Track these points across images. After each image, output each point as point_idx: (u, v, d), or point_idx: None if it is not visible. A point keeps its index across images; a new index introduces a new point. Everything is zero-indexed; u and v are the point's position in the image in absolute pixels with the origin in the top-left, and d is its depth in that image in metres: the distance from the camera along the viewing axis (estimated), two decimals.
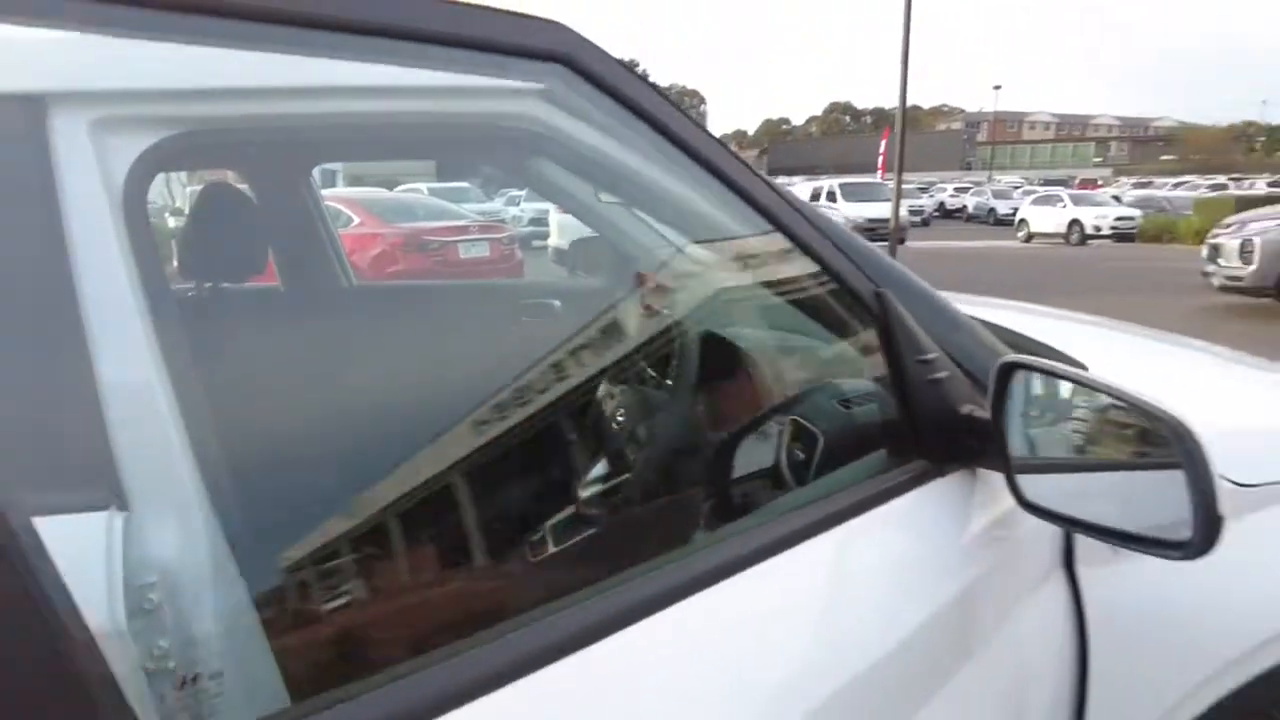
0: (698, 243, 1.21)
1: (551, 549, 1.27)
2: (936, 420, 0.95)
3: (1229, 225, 9.15)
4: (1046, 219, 21.45)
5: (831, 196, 20.61)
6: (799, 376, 1.42)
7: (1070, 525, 0.90)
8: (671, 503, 1.47)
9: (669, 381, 1.78)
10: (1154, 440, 0.82)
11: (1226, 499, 0.76)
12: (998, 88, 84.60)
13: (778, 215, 0.93)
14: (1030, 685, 1.01)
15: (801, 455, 1.28)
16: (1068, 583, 1.04)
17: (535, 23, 0.77)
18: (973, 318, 1.18)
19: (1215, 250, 9.01)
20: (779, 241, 0.96)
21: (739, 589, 0.71)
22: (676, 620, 0.65)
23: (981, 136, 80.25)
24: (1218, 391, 1.52)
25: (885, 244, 13.97)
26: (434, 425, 1.04)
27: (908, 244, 18.73)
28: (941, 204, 35.59)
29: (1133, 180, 43.57)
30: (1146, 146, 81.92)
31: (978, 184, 40.70)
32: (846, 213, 17.87)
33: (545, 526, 1.21)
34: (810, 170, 46.94)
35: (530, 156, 1.06)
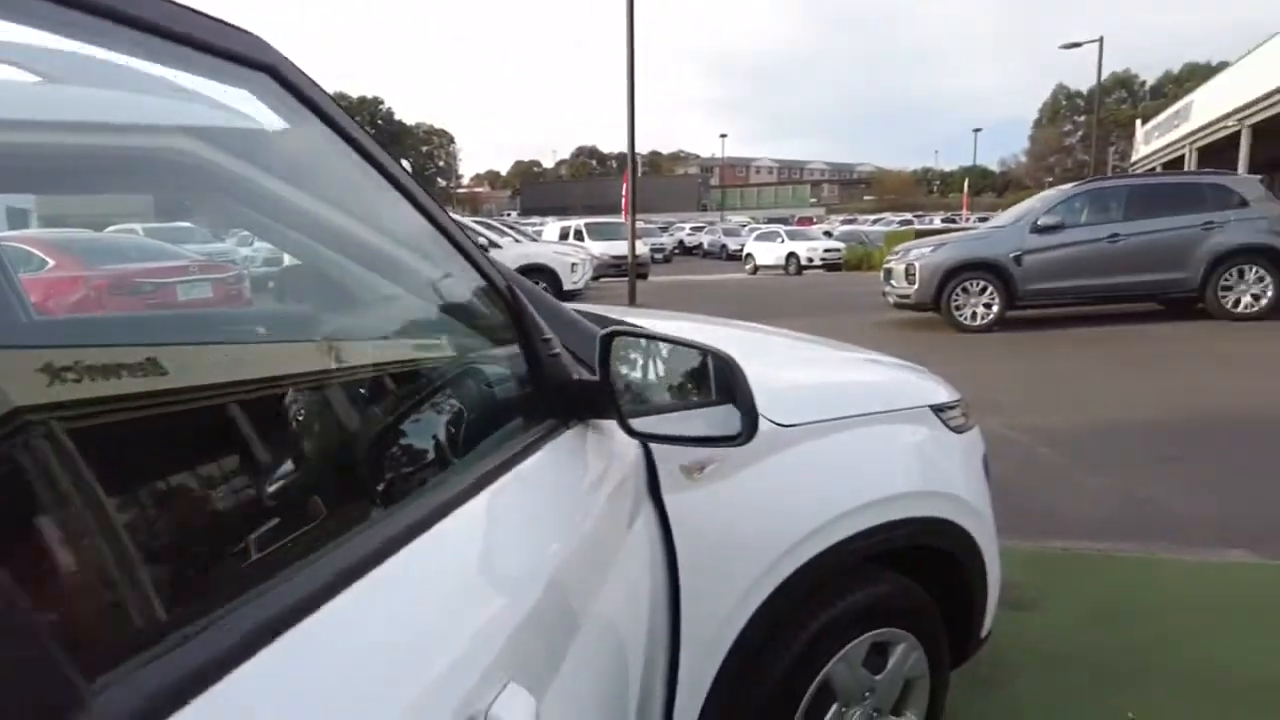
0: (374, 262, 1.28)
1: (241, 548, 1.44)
2: (558, 385, 1.21)
3: (897, 252, 10.84)
4: (768, 253, 23.93)
5: (579, 235, 21.44)
6: (453, 368, 1.70)
7: (666, 441, 1.25)
8: (346, 490, 1.68)
9: (349, 383, 1.97)
10: (717, 375, 1.23)
11: (765, 406, 1.15)
12: (724, 136, 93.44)
13: (445, 228, 1.09)
14: (643, 590, 1.28)
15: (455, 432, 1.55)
16: (655, 506, 1.36)
17: (238, 32, 0.76)
18: (581, 313, 1.52)
19: (888, 274, 10.65)
20: (441, 253, 1.12)
21: (408, 560, 0.71)
22: (356, 597, 0.63)
23: (715, 180, 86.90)
24: (803, 368, 2.02)
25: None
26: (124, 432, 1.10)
27: (650, 279, 19.94)
28: (681, 242, 38.50)
29: (841, 218, 49.62)
30: (852, 188, 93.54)
31: (711, 223, 44.44)
32: (594, 250, 18.66)
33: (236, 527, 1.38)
34: (561, 210, 48.07)
35: (201, 188, 1.05)
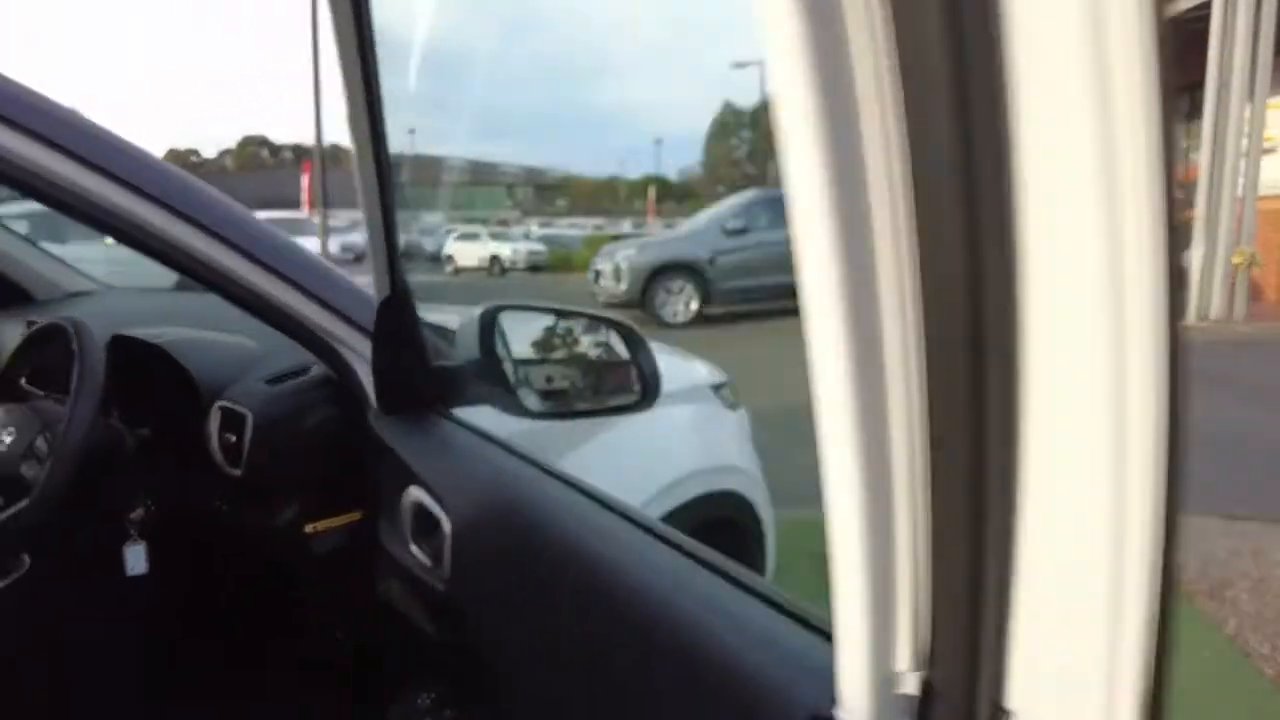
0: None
1: None
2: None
3: (604, 254, 11.33)
4: (470, 254, 23.62)
5: None
6: (228, 368, 1.41)
7: (566, 417, 1.15)
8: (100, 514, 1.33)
9: (66, 390, 1.57)
10: (608, 342, 1.12)
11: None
12: (412, 131, 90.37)
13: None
14: None
15: (234, 438, 1.28)
16: None
17: None
18: None
19: (598, 274, 11.07)
20: (206, 243, 1.05)
21: None
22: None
23: (404, 177, 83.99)
24: None
25: None
26: None
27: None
28: None
29: (538, 220, 50.52)
30: (546, 192, 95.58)
31: (405, 223, 42.80)
32: None
33: None
34: None
35: None
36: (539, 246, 24.49)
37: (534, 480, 0.92)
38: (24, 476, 1.27)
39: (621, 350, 1.17)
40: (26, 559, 1.38)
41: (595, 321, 1.21)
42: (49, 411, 1.35)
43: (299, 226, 19.49)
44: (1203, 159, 9.72)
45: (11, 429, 1.31)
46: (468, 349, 1.13)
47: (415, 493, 0.96)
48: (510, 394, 1.09)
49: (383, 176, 1.02)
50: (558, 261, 23.42)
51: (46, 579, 1.43)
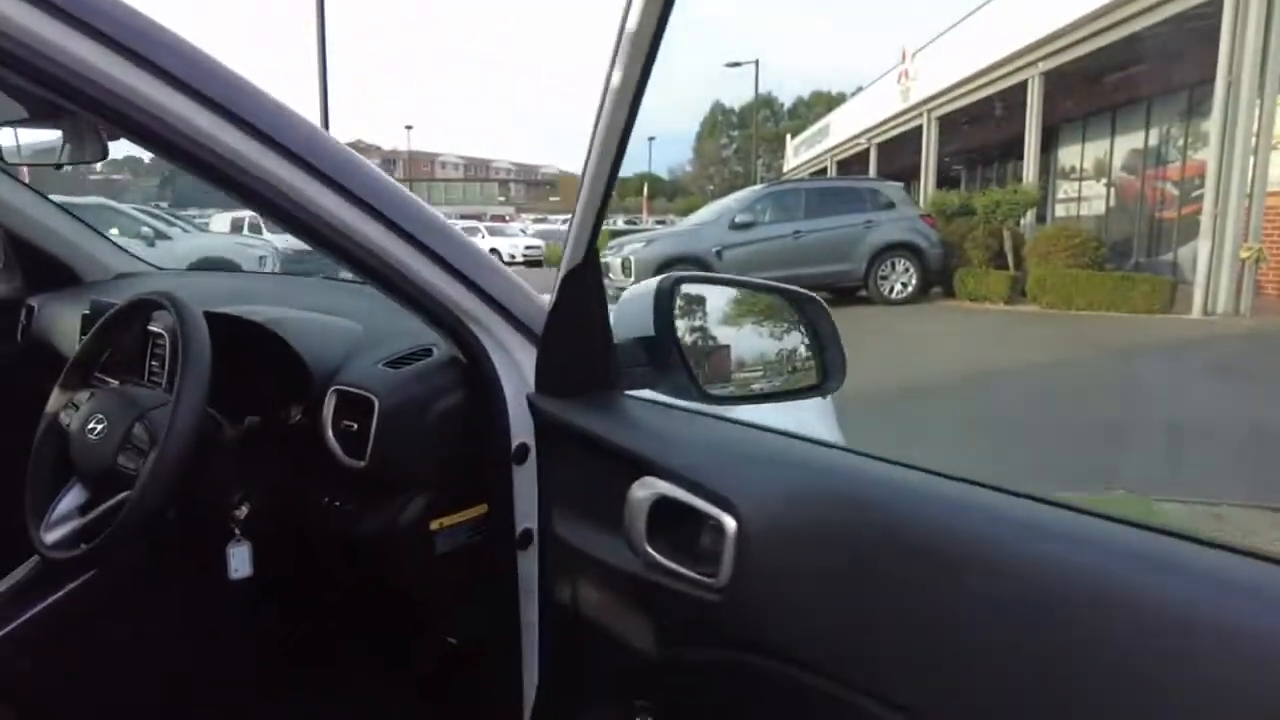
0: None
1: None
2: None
3: (611, 248, 11.26)
4: None
5: (255, 227, 19.29)
6: (336, 350, 1.31)
7: (745, 402, 1.05)
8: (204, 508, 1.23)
9: (160, 373, 1.47)
10: (787, 317, 1.03)
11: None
12: (409, 128, 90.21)
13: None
14: None
15: (354, 426, 1.18)
16: None
17: None
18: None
19: (606, 267, 10.97)
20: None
21: None
22: None
23: (399, 173, 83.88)
24: None
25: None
26: None
27: (344, 275, 18.53)
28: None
29: (533, 216, 50.43)
30: (538, 189, 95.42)
31: None
32: (275, 243, 16.91)
33: None
34: (223, 202, 43.17)
35: None
36: (537, 242, 24.38)
37: (833, 461, 0.81)
38: (122, 469, 1.17)
39: (805, 329, 1.08)
40: (133, 556, 1.29)
41: (781, 297, 1.12)
42: (141, 397, 1.25)
43: None
44: (1210, 155, 9.70)
45: (101, 416, 1.21)
46: (635, 325, 1.03)
47: (655, 486, 0.85)
48: (686, 375, 0.99)
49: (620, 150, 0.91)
50: (557, 256, 23.24)
51: (146, 579, 1.33)
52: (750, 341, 1.16)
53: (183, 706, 1.47)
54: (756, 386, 1.08)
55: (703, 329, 1.10)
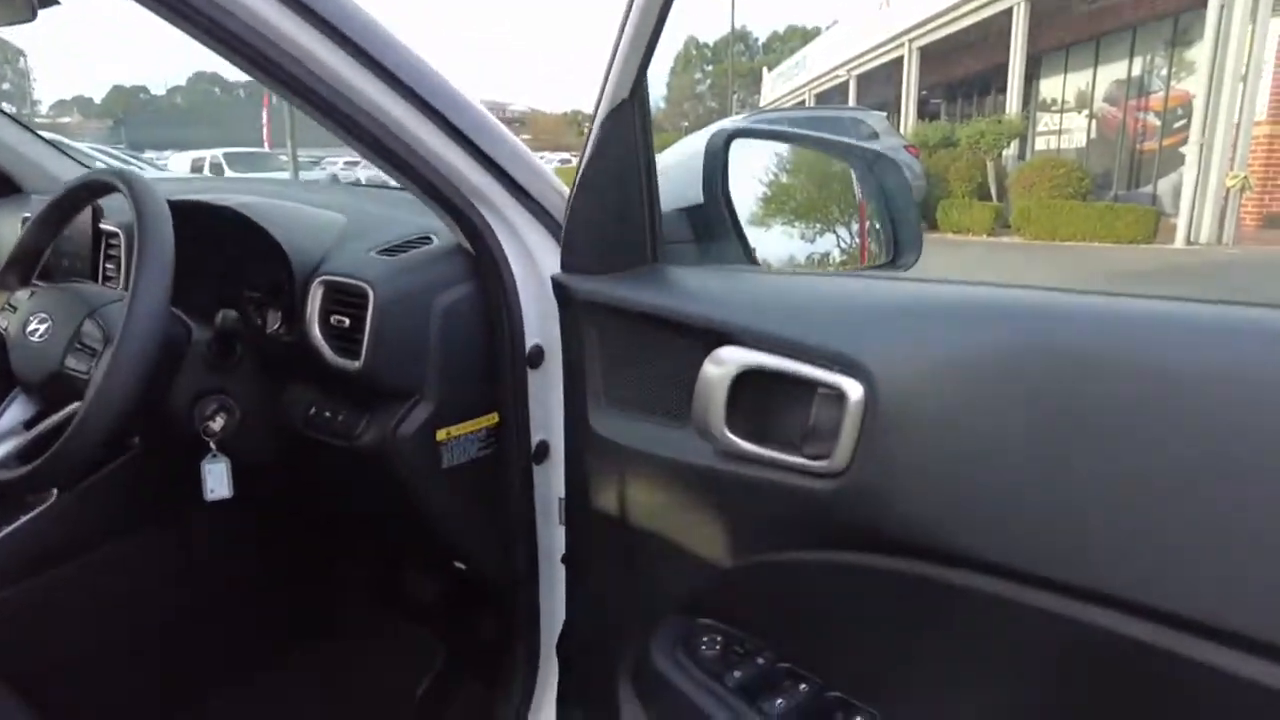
0: None
1: None
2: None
3: None
4: None
5: (217, 168, 18.63)
6: (321, 239, 1.14)
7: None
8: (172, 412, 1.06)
9: (116, 276, 1.29)
10: (850, 182, 0.86)
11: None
12: None
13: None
14: None
15: (345, 322, 1.02)
16: None
17: None
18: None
19: None
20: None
21: None
22: None
23: None
24: None
25: None
26: None
27: None
28: (334, 176, 35.46)
29: None
30: (508, 127, 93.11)
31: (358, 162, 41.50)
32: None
33: None
34: (181, 143, 41.88)
35: None
36: None
37: (999, 301, 0.62)
38: (72, 372, 1.00)
39: (874, 195, 0.92)
40: (79, 482, 1.12)
41: (848, 156, 0.95)
42: (92, 293, 1.07)
43: (262, 161, 18.57)
44: (1199, 82, 9.55)
45: (44, 315, 1.03)
46: (674, 195, 0.87)
47: (736, 357, 0.68)
48: (741, 247, 0.83)
49: None
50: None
51: (105, 501, 1.17)
52: (809, 211, 1.00)
53: (166, 643, 1.32)
54: (818, 259, 0.92)
55: (759, 196, 0.94)
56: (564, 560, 1.11)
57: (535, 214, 1.00)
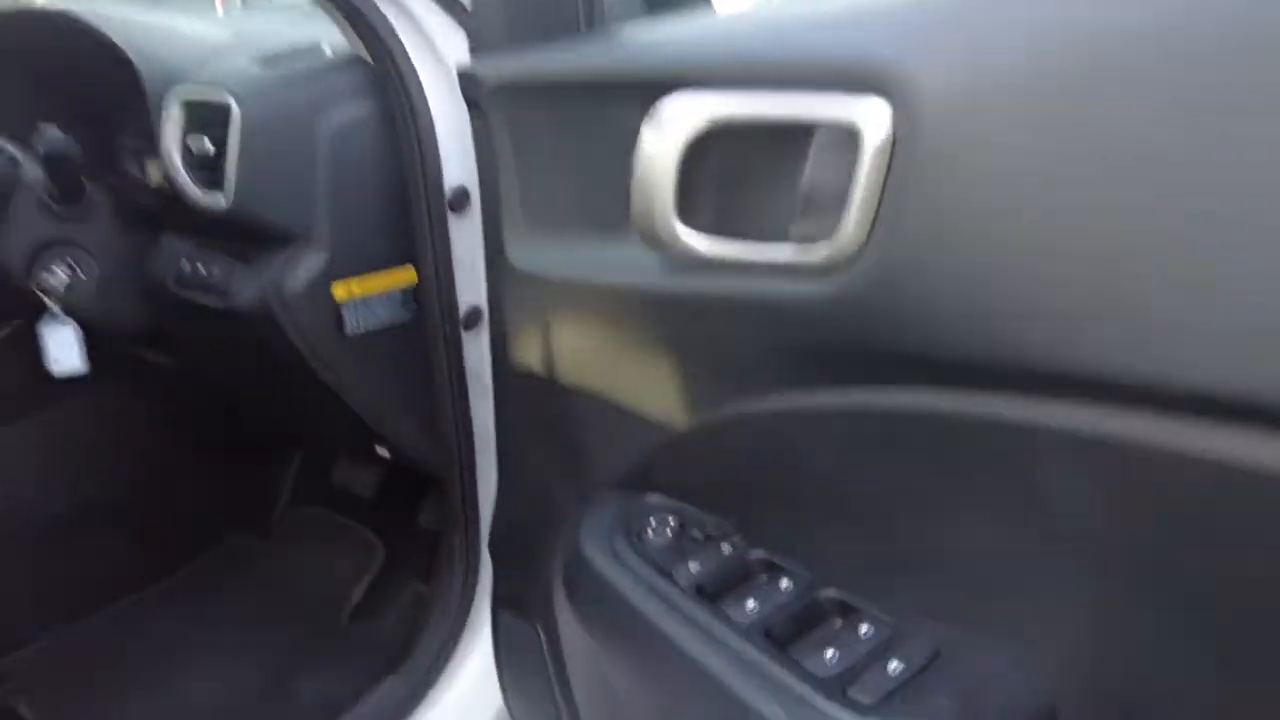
0: None
1: None
2: None
3: None
4: None
5: None
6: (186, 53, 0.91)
7: None
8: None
9: None
10: None
11: None
12: None
13: None
14: None
15: (211, 149, 0.80)
16: None
17: None
18: None
19: None
20: None
21: None
22: None
23: None
24: None
25: None
26: None
27: None
28: None
29: None
30: None
31: None
32: None
33: None
34: None
35: None
36: None
37: None
38: None
39: None
40: None
41: None
42: None
43: None
44: None
45: None
46: None
47: (691, 108, 0.46)
48: None
49: None
50: None
51: None
52: None
53: (64, 544, 1.14)
54: None
55: None
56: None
57: (450, 10, 0.78)
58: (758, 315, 0.46)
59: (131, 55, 0.88)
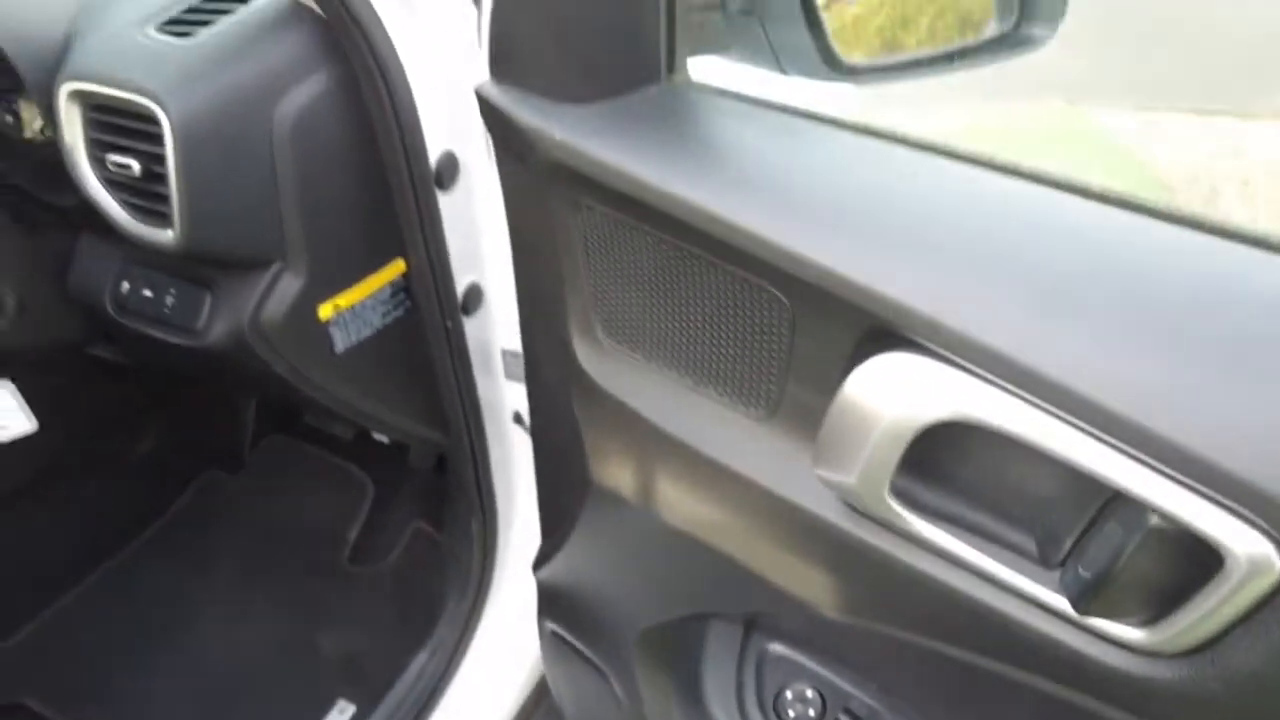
0: None
1: None
2: None
3: None
4: None
5: None
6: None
7: (907, 74, 0.55)
8: None
9: None
10: None
11: None
12: None
13: None
14: None
15: (133, 164, 0.64)
16: None
17: None
18: None
19: None
20: None
21: None
22: None
23: None
24: None
25: None
26: None
27: None
28: None
29: None
30: None
31: None
32: None
33: None
34: None
35: None
36: None
37: None
38: None
39: None
40: None
41: None
42: None
43: None
44: None
45: None
46: None
47: (935, 383, 0.35)
48: (808, 30, 0.49)
49: None
50: None
51: None
52: None
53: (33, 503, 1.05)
54: (924, 51, 0.57)
55: None
56: (516, 420, 0.87)
57: None
58: (987, 629, 0.39)
59: None
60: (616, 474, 0.57)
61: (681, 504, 0.52)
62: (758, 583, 0.49)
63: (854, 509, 0.40)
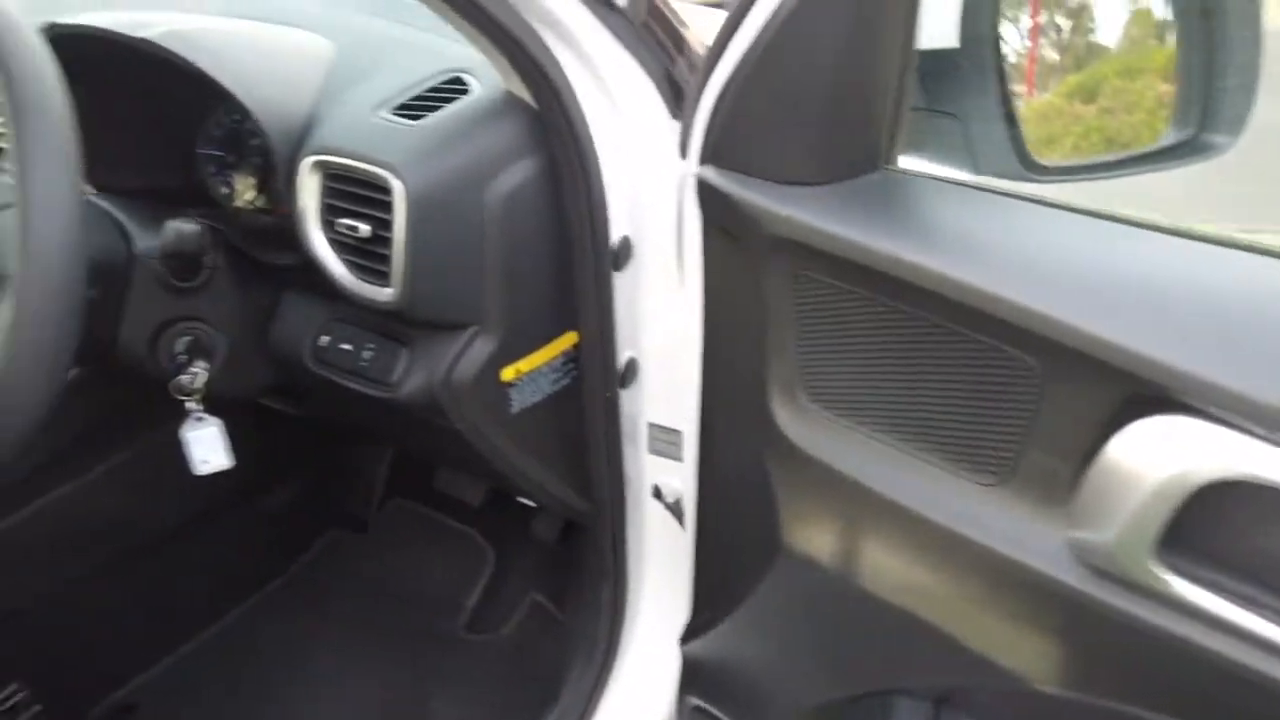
0: None
1: None
2: None
3: None
4: None
5: None
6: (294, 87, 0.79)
7: (1094, 174, 0.58)
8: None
9: None
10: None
11: None
12: None
13: None
14: None
15: (355, 229, 0.71)
16: None
17: None
18: None
19: None
20: None
21: None
22: None
23: None
24: None
25: None
26: None
27: None
28: None
29: None
30: None
31: None
32: None
33: None
34: None
35: None
36: None
37: None
38: None
39: (1186, 37, 0.59)
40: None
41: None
42: None
43: None
44: None
45: None
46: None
47: (1206, 443, 0.37)
48: (1006, 130, 0.53)
49: None
50: None
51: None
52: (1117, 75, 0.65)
53: (160, 562, 1.10)
54: (1111, 155, 0.61)
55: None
56: (655, 494, 0.89)
57: (633, 49, 0.67)
58: (1266, 702, 0.38)
59: (235, 90, 0.74)
60: (813, 538, 0.58)
61: (886, 568, 0.54)
62: (960, 653, 0.50)
63: (1101, 573, 0.41)
